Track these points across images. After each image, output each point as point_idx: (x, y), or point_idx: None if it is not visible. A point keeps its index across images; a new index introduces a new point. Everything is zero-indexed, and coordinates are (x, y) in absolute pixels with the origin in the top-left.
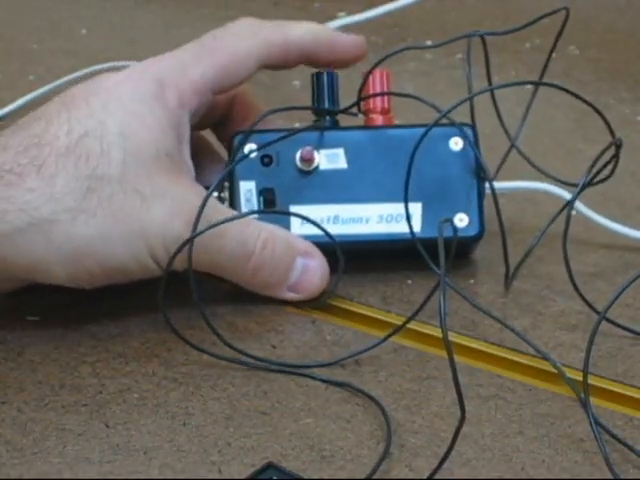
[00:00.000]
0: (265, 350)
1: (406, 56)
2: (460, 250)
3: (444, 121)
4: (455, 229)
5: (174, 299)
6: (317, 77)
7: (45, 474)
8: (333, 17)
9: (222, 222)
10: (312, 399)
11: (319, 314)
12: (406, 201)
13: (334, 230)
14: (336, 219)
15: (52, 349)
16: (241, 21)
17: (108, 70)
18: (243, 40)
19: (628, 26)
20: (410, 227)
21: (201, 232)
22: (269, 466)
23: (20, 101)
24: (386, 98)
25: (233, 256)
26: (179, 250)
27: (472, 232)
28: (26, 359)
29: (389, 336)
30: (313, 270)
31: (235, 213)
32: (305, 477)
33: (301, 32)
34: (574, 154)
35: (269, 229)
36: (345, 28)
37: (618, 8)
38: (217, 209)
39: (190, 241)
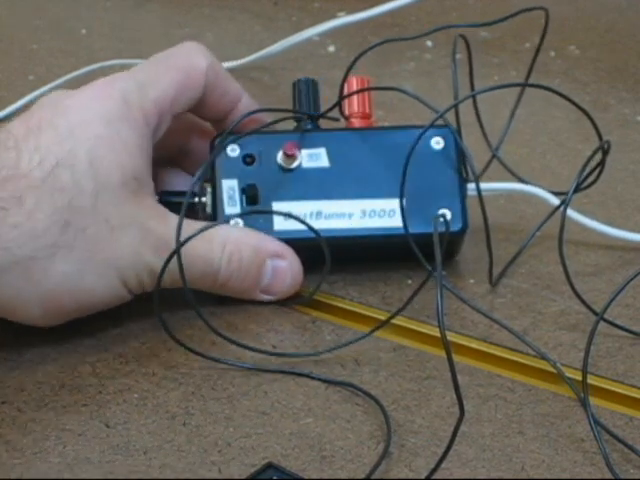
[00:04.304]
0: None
1: (406, 56)
2: (445, 247)
3: (425, 123)
4: (448, 225)
5: (173, 300)
6: (298, 83)
7: (45, 474)
8: (333, 17)
9: (206, 228)
10: (312, 399)
11: (319, 314)
12: (401, 197)
13: (317, 225)
14: (319, 214)
15: (52, 349)
16: (187, 42)
17: (108, 70)
18: (194, 58)
19: (628, 26)
20: (404, 222)
21: (189, 239)
22: (269, 466)
23: (20, 101)
24: (367, 103)
25: (201, 275)
26: (167, 262)
27: (455, 227)
28: (26, 359)
29: (373, 330)
30: (283, 271)
31: (212, 230)
32: (305, 477)
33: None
34: (574, 154)
35: (234, 238)
36: (345, 28)
37: (618, 8)
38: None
39: (176, 251)
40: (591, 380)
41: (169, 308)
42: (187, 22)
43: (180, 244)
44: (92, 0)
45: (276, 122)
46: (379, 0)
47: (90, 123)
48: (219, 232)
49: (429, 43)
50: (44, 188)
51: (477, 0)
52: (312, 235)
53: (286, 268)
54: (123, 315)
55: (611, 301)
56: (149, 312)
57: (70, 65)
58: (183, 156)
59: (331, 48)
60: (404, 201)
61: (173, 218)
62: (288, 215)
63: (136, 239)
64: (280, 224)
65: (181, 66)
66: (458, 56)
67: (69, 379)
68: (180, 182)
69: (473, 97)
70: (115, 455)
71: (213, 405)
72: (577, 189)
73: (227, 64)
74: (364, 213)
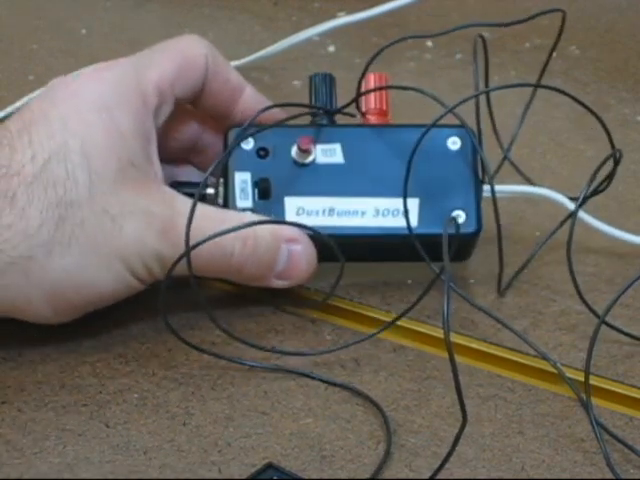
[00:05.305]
0: (265, 350)
1: (406, 56)
2: (458, 248)
3: (443, 121)
4: (458, 226)
5: (174, 300)
6: (314, 78)
7: (45, 474)
8: (333, 17)
9: (221, 233)
10: (312, 399)
11: (319, 314)
12: (405, 196)
13: (329, 222)
14: (332, 211)
15: (52, 349)
16: (185, 35)
17: None
18: (193, 44)
19: (628, 26)
20: (407, 222)
21: (200, 243)
22: (269, 466)
23: (20, 101)
24: (384, 100)
25: (213, 260)
26: (177, 262)
27: (470, 229)
28: (26, 359)
29: (377, 333)
30: (298, 255)
31: (225, 212)
32: (305, 477)
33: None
34: (574, 154)
35: (250, 222)
36: (345, 28)
37: (618, 8)
38: (205, 215)
39: (186, 254)
40: (591, 380)
41: (169, 309)
42: (187, 22)
43: (189, 248)
44: (92, 0)
45: (294, 117)
46: (379, 0)
47: (83, 112)
48: (233, 215)
49: (429, 43)
50: (37, 184)
51: (477, 0)
52: (324, 232)
53: (301, 252)
54: (124, 315)
55: (612, 304)
56: (149, 312)
57: (70, 65)
58: (196, 153)
59: (331, 48)
60: (418, 201)
61: (181, 202)
62: (302, 226)
63: (140, 226)
64: (292, 219)
65: (180, 51)
66: (459, 56)
67: (69, 379)
68: (192, 179)
69: (487, 94)
70: (115, 455)
71: (213, 405)
72: (589, 196)
73: None
74: (377, 212)
